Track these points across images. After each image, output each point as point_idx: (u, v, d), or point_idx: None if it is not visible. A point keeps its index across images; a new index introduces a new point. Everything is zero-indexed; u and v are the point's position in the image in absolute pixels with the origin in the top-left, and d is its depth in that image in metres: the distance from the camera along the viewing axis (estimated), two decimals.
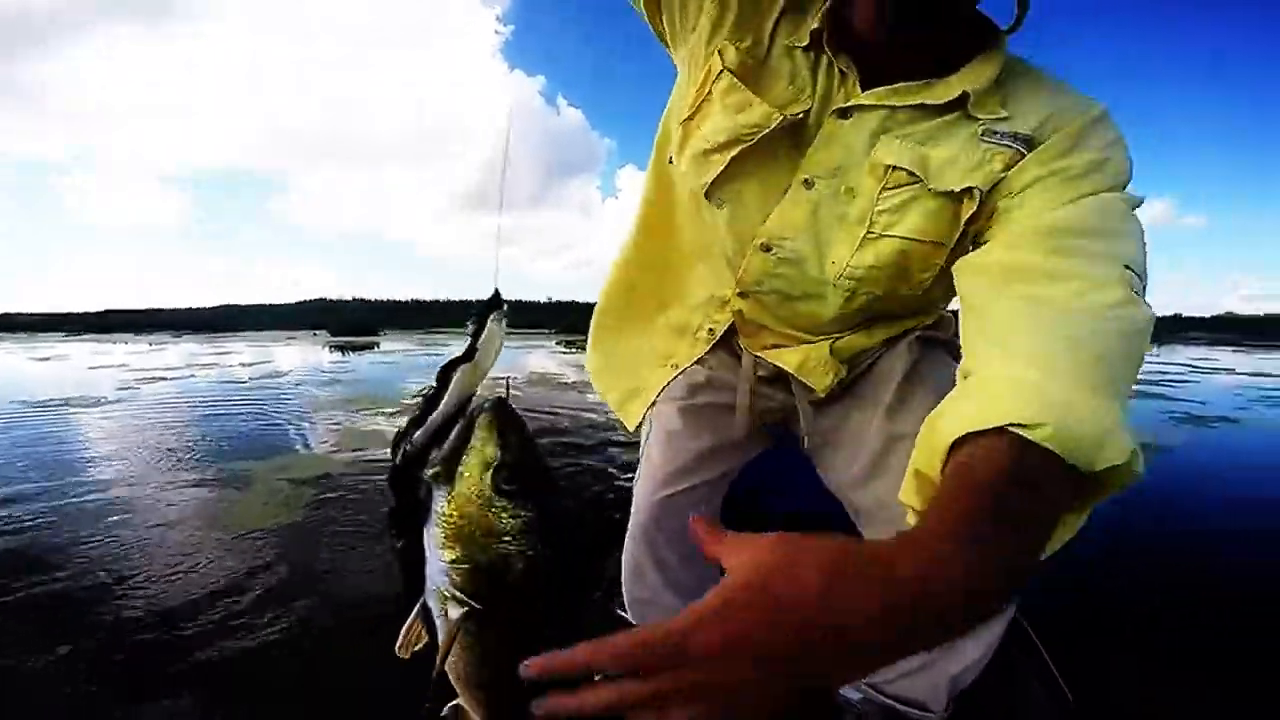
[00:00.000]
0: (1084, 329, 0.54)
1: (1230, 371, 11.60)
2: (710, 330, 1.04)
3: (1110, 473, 0.47)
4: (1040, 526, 0.43)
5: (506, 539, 0.47)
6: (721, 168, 0.82)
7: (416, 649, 0.51)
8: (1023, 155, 0.71)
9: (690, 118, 0.86)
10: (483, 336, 0.50)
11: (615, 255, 1.11)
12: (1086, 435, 0.45)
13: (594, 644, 0.39)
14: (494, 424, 0.47)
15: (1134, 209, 0.68)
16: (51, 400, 6.74)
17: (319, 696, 1.49)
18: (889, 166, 0.75)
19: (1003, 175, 0.72)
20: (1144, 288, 0.62)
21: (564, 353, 17.58)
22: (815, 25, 0.79)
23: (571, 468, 3.71)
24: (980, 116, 0.74)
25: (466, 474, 0.48)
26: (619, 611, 1.38)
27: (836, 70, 0.79)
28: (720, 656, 0.36)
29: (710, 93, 0.82)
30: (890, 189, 0.76)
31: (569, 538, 0.49)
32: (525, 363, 13.11)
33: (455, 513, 0.48)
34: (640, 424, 1.18)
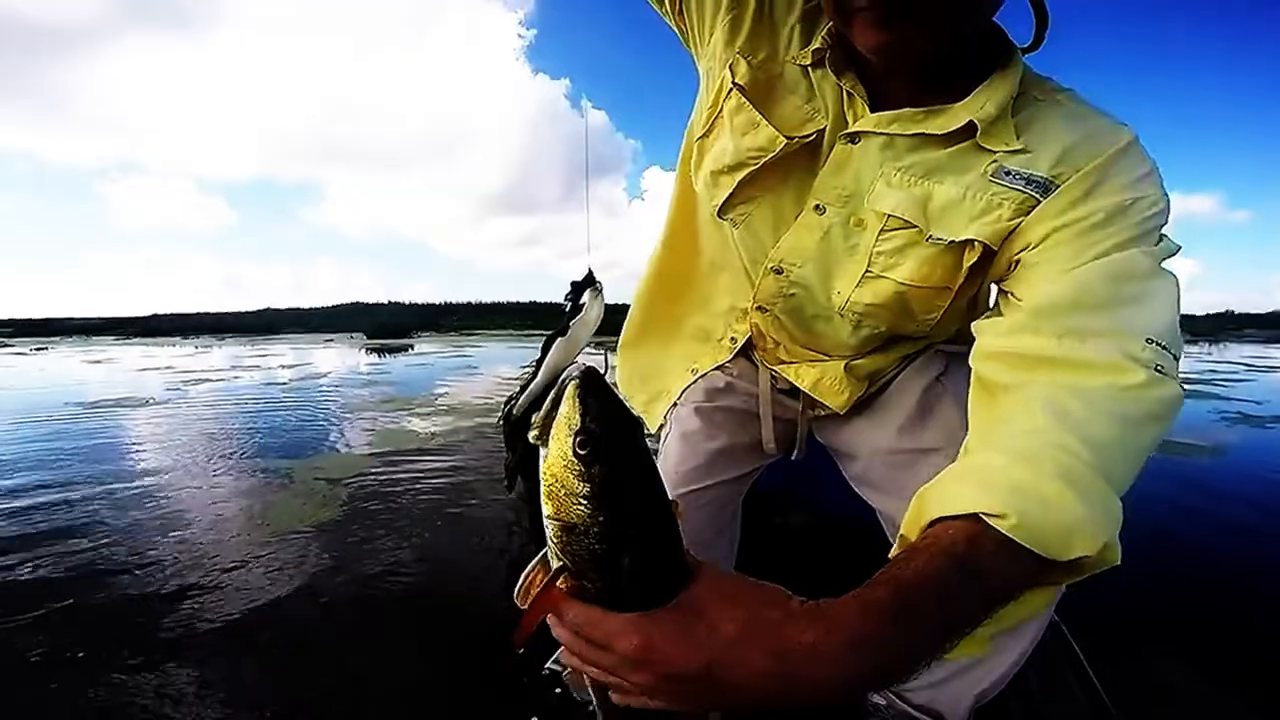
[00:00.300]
0: (1081, 418, 0.53)
1: None
2: (733, 339, 1.03)
3: (1084, 561, 0.49)
4: (965, 619, 0.46)
5: (584, 502, 0.49)
6: (730, 190, 0.80)
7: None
8: (1038, 201, 0.66)
9: (704, 135, 0.84)
10: (578, 313, 0.58)
11: (645, 266, 1.11)
12: (1051, 527, 0.46)
13: (560, 608, 0.51)
14: (579, 391, 0.50)
15: (1163, 260, 0.63)
16: (104, 401, 7.03)
17: (358, 691, 1.52)
18: (887, 214, 0.72)
19: (1014, 223, 0.66)
20: (1173, 355, 0.58)
21: (591, 352, 17.62)
22: (818, 45, 0.76)
23: None
24: (992, 149, 0.68)
25: (554, 437, 0.51)
26: None
27: (844, 91, 0.76)
28: (633, 660, 0.46)
29: (721, 110, 0.81)
30: (890, 231, 0.73)
31: (655, 509, 0.52)
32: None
33: (547, 472, 0.51)
34: (661, 425, 1.18)
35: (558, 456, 0.50)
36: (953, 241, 0.69)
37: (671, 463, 1.08)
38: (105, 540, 2.52)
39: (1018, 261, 0.67)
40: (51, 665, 1.63)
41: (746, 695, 0.44)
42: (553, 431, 0.51)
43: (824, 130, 0.76)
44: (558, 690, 1.18)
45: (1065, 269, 0.62)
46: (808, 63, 0.77)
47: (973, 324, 0.70)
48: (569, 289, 0.65)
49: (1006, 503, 0.46)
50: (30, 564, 2.28)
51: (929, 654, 0.46)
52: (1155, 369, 0.56)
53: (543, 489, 0.52)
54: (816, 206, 0.78)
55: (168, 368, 12.52)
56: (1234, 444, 4.49)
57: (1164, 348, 0.57)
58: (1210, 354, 15.46)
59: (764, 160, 0.76)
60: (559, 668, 1.22)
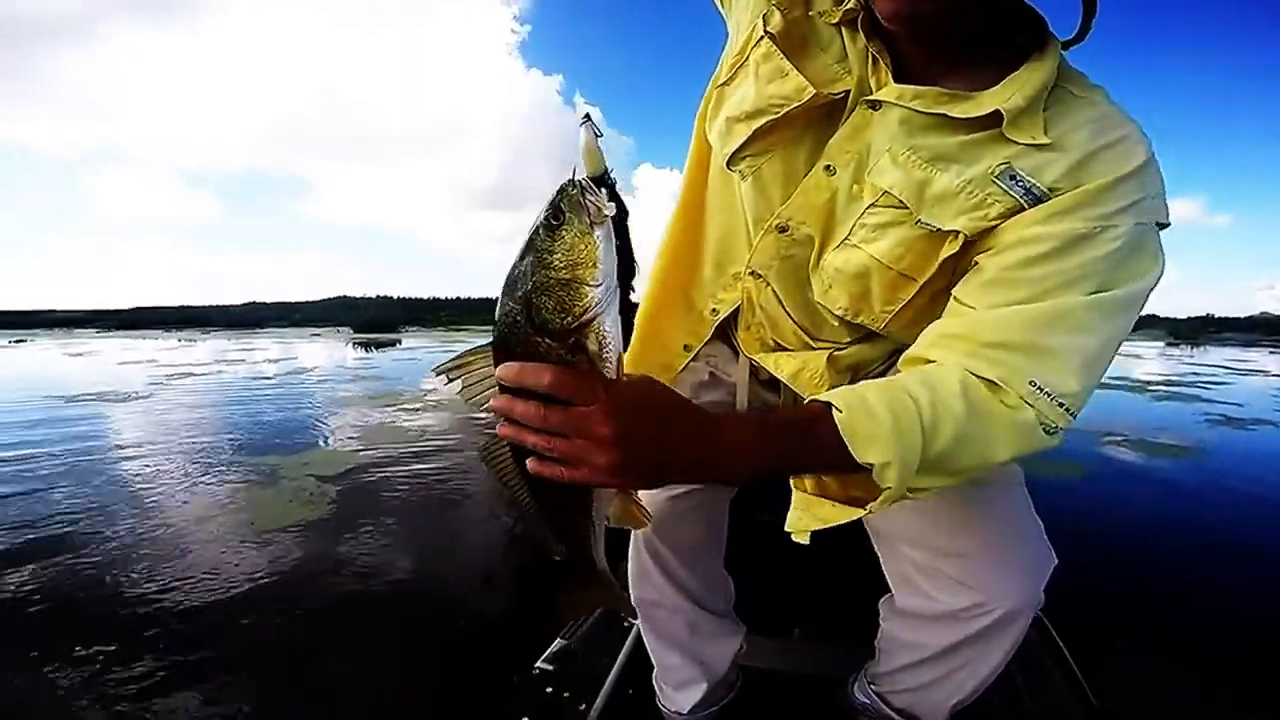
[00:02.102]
0: (946, 395, 0.61)
1: (1266, 373, 11.34)
2: (714, 310, 0.98)
3: (876, 475, 0.59)
4: (807, 461, 0.63)
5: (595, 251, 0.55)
6: (744, 138, 0.78)
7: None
8: (1023, 209, 0.66)
9: (726, 82, 0.82)
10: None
11: (659, 238, 1.07)
12: (862, 433, 0.58)
13: (541, 366, 0.52)
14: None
15: (1128, 299, 0.64)
16: (84, 395, 6.92)
17: (348, 689, 1.50)
18: (884, 189, 0.72)
19: (995, 224, 0.67)
20: (1067, 411, 0.62)
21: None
22: (850, 4, 0.74)
23: None
24: (1018, 141, 0.67)
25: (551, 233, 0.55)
26: (626, 619, 1.38)
27: (871, 55, 0.74)
28: (613, 412, 0.52)
29: (747, 58, 0.78)
30: (880, 206, 0.73)
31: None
32: None
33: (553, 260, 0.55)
34: None
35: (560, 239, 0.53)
36: (937, 229, 0.69)
37: None
38: (84, 536, 2.48)
39: (975, 264, 0.68)
40: (23, 661, 1.60)
41: (682, 469, 0.56)
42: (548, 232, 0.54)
43: (849, 92, 0.74)
44: (549, 689, 1.17)
45: (1013, 299, 0.64)
46: (836, 20, 0.75)
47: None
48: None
49: (848, 404, 0.59)
50: (4, 562, 2.24)
51: (790, 469, 0.65)
52: (1040, 416, 0.62)
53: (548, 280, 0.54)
54: (828, 167, 0.76)
55: (150, 361, 12.36)
56: (1216, 445, 4.57)
57: (1063, 406, 0.62)
58: (1191, 357, 15.71)
59: (785, 110, 0.74)
60: (549, 666, 1.21)
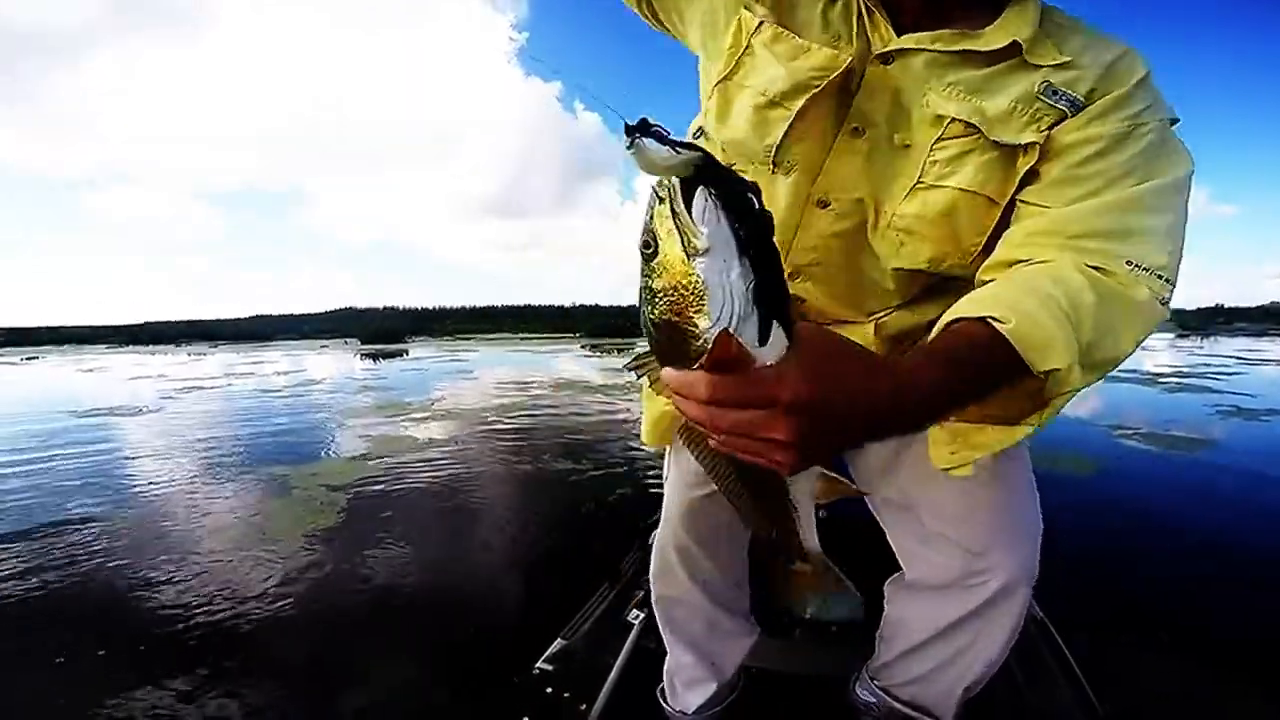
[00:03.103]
0: (1075, 287, 0.62)
1: (1279, 363, 11.23)
2: None
3: (1052, 382, 0.58)
4: (980, 387, 0.59)
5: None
6: (787, 123, 0.75)
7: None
8: (1066, 113, 0.70)
9: (729, 76, 0.79)
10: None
11: None
12: (1035, 339, 0.56)
13: (697, 378, 0.48)
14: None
15: (1173, 177, 0.69)
16: (97, 410, 6.99)
17: (353, 692, 1.51)
18: (946, 118, 0.71)
19: (1046, 135, 0.70)
20: (1168, 282, 0.66)
21: (589, 355, 17.67)
22: None
23: (599, 469, 3.72)
24: (1040, 64, 0.70)
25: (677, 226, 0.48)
26: (628, 618, 1.38)
27: (861, 13, 0.74)
28: (783, 412, 0.47)
29: (750, 46, 0.76)
30: (946, 139, 0.72)
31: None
32: (552, 366, 13.20)
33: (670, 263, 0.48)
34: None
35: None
36: (1011, 145, 0.70)
37: (687, 463, 1.05)
38: (100, 548, 2.50)
39: (1037, 173, 0.71)
40: (42, 670, 1.62)
41: (868, 424, 0.51)
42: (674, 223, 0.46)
43: (852, 59, 0.73)
44: (549, 689, 1.17)
45: (1083, 193, 0.68)
46: None
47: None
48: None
49: (1008, 313, 0.56)
50: (25, 571, 2.26)
51: (968, 399, 0.58)
52: (1150, 290, 0.65)
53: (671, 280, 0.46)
54: (855, 129, 0.75)
55: (160, 375, 12.47)
56: (1228, 437, 4.52)
57: (1162, 278, 0.65)
58: (1202, 348, 15.57)
59: (826, 80, 0.72)
60: (550, 667, 1.21)
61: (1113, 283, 0.64)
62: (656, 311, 0.47)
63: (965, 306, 0.60)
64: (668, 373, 0.50)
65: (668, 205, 0.46)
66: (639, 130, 0.45)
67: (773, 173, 0.79)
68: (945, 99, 0.71)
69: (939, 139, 0.72)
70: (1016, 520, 0.87)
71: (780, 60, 0.75)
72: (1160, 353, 12.85)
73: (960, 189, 0.72)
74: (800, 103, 0.74)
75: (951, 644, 0.91)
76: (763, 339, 0.47)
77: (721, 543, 1.09)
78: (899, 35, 0.73)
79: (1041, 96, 0.70)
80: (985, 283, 0.69)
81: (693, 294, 0.45)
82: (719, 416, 0.48)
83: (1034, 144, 0.70)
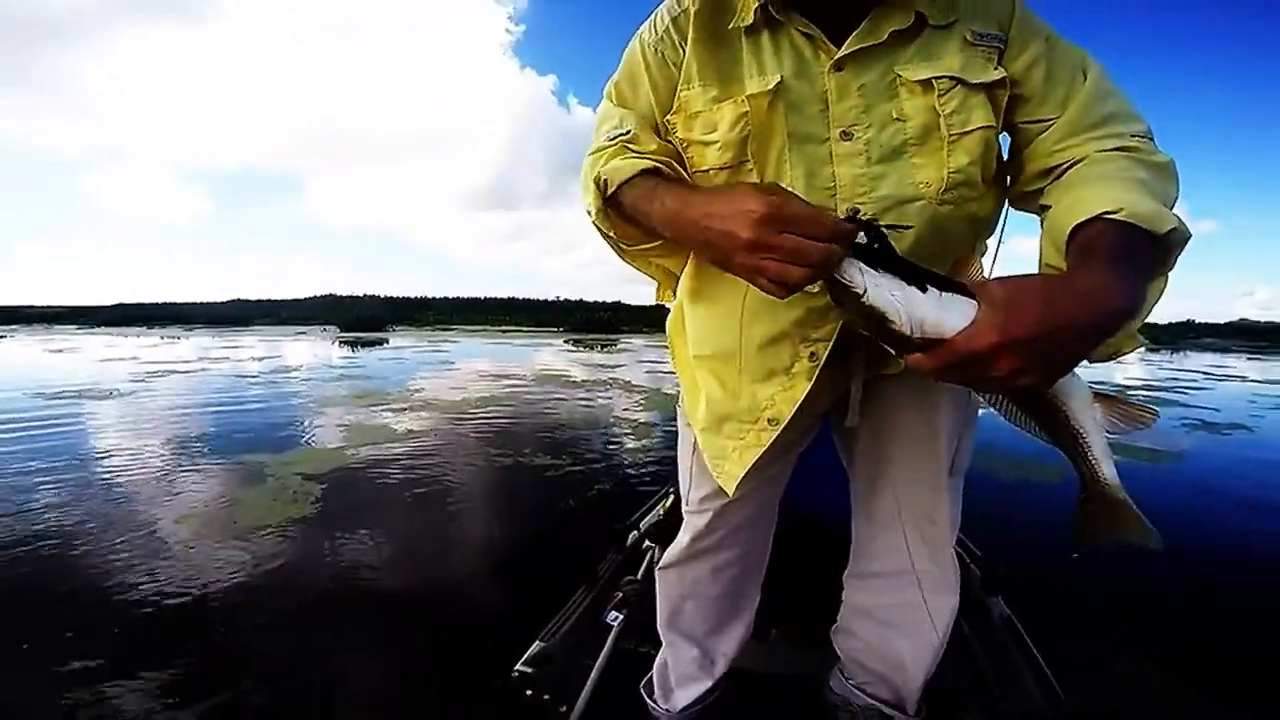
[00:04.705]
0: (1125, 165, 0.71)
1: (1244, 379, 11.53)
2: (812, 357, 0.86)
3: (1173, 236, 0.65)
4: (1143, 270, 0.64)
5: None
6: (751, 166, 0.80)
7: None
8: (1000, 49, 0.78)
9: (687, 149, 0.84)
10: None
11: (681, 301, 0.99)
12: (1147, 212, 0.63)
13: (929, 355, 0.60)
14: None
15: (1097, 62, 0.80)
16: (65, 392, 6.82)
17: (327, 692, 1.50)
18: (931, 79, 0.76)
19: (1002, 66, 0.78)
20: (1153, 141, 0.75)
21: (571, 350, 17.62)
22: (752, 16, 0.79)
23: (578, 466, 3.72)
24: (945, 23, 0.78)
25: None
26: (607, 620, 1.38)
27: (796, 35, 0.79)
28: (988, 348, 0.57)
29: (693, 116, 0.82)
30: (945, 94, 0.76)
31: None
32: (534, 360, 13.15)
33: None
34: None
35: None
36: (990, 83, 0.77)
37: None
38: (63, 536, 2.45)
39: (1019, 98, 0.79)
40: (9, 655, 1.60)
41: (1071, 341, 0.58)
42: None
43: (780, 82, 0.78)
44: (529, 692, 1.17)
45: (1063, 98, 0.78)
46: (748, 23, 0.80)
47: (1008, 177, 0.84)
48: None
49: (1115, 204, 0.63)
50: None
51: (1143, 290, 0.63)
52: (1161, 152, 0.74)
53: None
54: (843, 133, 0.78)
55: (132, 358, 12.20)
56: (1194, 451, 4.64)
57: (1151, 139, 0.76)
58: (1171, 362, 15.95)
59: (748, 124, 0.78)
60: (529, 669, 1.21)
61: (1139, 155, 0.72)
62: (862, 325, 0.65)
63: (1072, 215, 0.67)
64: (910, 360, 0.62)
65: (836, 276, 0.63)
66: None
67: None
68: (917, 68, 0.77)
69: (940, 96, 0.77)
70: (953, 522, 0.96)
71: (711, 130, 0.81)
72: (1130, 366, 13.15)
73: (981, 127, 0.78)
74: (745, 153, 0.79)
75: (905, 629, 1.00)
76: (942, 316, 0.60)
77: (748, 534, 1.07)
78: (838, 46, 0.78)
79: (973, 43, 0.78)
80: (1033, 194, 0.79)
81: (878, 314, 0.62)
82: (952, 376, 0.60)
83: (1003, 78, 0.77)
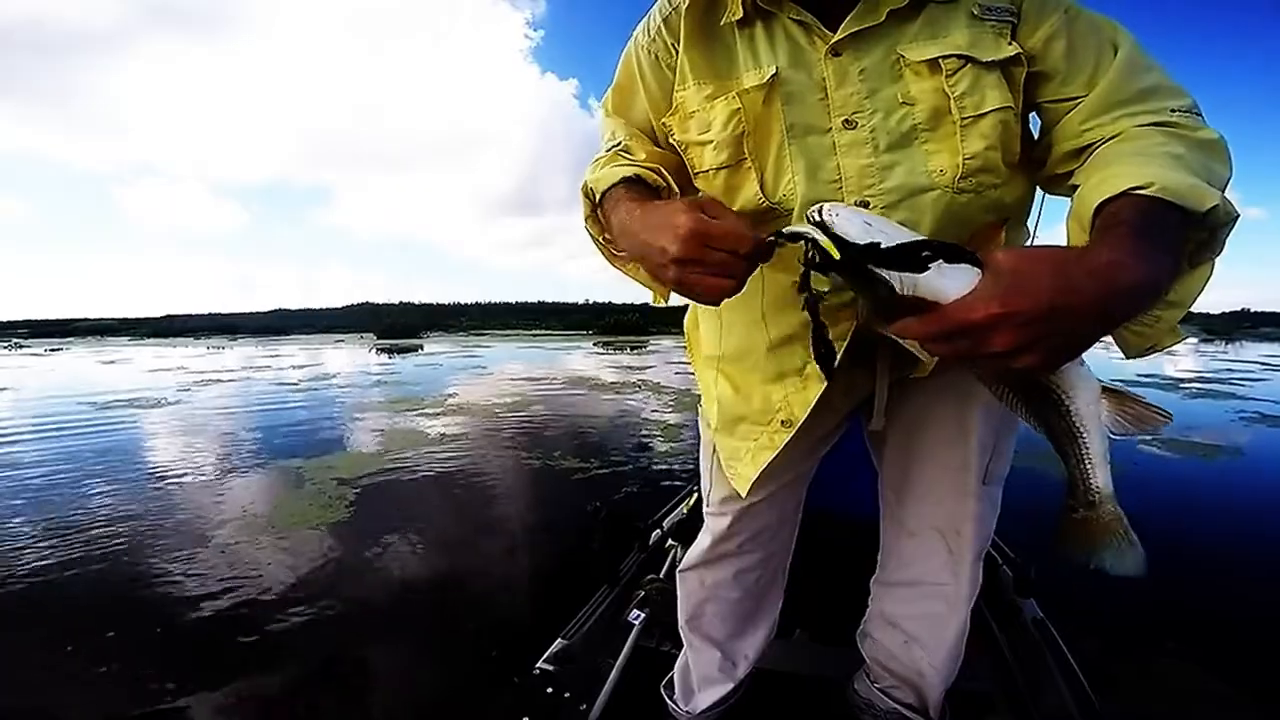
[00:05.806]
0: (1161, 140, 0.65)
1: None
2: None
3: (1216, 215, 0.58)
4: (1173, 249, 0.58)
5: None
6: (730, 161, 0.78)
7: None
8: (1013, 23, 0.73)
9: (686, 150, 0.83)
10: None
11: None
12: (1182, 188, 0.57)
13: (920, 319, 0.55)
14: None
15: (1134, 38, 0.73)
16: (116, 401, 7.11)
17: (354, 687, 1.52)
18: (938, 59, 0.72)
19: (1016, 42, 0.73)
20: (1198, 115, 0.68)
21: (601, 353, 17.69)
22: (739, 12, 0.76)
23: (605, 468, 3.72)
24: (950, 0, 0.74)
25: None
26: (628, 619, 1.37)
27: (789, 24, 0.76)
28: (988, 319, 0.51)
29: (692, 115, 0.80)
30: (954, 75, 0.72)
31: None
32: (564, 363, 13.24)
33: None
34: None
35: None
36: (1002, 60, 0.72)
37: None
38: (114, 539, 2.54)
39: (1041, 76, 0.73)
40: (53, 657, 1.65)
41: (1080, 319, 0.52)
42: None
43: (775, 74, 0.75)
44: (549, 690, 1.17)
45: (1090, 75, 0.72)
46: (739, 16, 0.77)
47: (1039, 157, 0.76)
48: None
49: (1145, 179, 0.57)
50: (39, 560, 2.31)
51: (1170, 270, 0.57)
52: (1209, 128, 0.67)
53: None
54: (846, 121, 0.75)
55: (180, 368, 12.65)
56: (1251, 445, 4.42)
57: (1198, 114, 0.69)
58: (1226, 352, 15.27)
59: (745, 119, 0.76)
60: (550, 667, 1.21)
61: (1180, 131, 0.66)
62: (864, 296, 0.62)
63: (1098, 192, 0.61)
64: (897, 325, 0.58)
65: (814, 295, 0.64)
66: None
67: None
68: (921, 48, 0.73)
69: (949, 76, 0.72)
70: (983, 534, 0.92)
71: (706, 129, 0.79)
72: (1183, 358, 12.63)
73: (998, 108, 0.73)
74: (741, 151, 0.77)
75: (925, 641, 0.97)
76: (942, 282, 0.55)
77: (773, 537, 1.05)
78: (834, 31, 0.74)
79: (981, 18, 0.73)
80: (1063, 177, 0.73)
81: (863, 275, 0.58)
82: (944, 348, 0.56)
83: (1017, 55, 0.72)
